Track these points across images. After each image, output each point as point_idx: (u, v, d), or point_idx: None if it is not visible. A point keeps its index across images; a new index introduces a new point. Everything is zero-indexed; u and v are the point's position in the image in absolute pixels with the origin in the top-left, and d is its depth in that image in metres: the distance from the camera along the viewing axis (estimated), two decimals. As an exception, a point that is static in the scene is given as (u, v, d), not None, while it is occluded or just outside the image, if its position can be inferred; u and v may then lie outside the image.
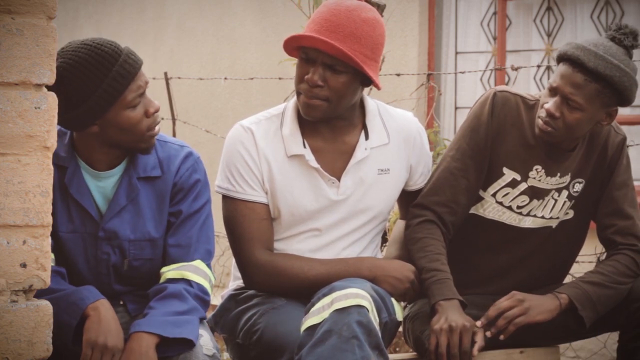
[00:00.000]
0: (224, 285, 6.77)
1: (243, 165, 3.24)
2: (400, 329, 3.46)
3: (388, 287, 3.23)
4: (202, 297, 3.05)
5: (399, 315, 3.26)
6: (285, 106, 3.32)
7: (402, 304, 3.40)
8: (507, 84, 6.43)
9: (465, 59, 6.81)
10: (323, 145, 3.27)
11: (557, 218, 3.49)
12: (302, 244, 3.30)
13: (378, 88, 3.20)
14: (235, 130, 3.29)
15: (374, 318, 3.01)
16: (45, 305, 2.47)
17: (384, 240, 3.69)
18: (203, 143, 7.38)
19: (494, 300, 3.41)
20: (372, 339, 2.98)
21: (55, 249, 2.98)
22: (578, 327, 3.38)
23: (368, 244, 3.37)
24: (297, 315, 3.10)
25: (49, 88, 2.44)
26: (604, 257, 3.55)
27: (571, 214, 3.50)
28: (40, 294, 2.52)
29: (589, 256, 4.47)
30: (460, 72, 5.74)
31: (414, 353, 3.48)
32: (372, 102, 3.35)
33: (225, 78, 6.64)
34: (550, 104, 3.28)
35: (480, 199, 3.46)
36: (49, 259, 2.46)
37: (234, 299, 3.33)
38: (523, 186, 3.43)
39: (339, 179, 3.27)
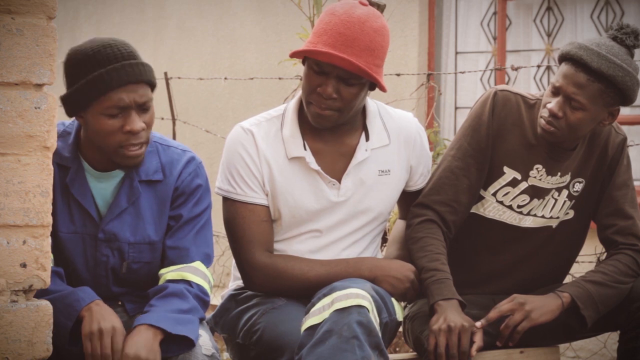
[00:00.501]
0: (224, 285, 6.77)
1: (243, 167, 3.24)
2: (400, 329, 3.46)
3: (388, 287, 3.23)
4: (202, 298, 3.05)
5: (399, 315, 3.26)
6: (286, 107, 3.32)
7: (402, 303, 3.40)
8: (507, 84, 6.43)
9: (465, 59, 6.81)
10: (324, 147, 3.27)
11: (558, 218, 3.49)
12: (302, 245, 3.30)
13: (384, 91, 3.21)
14: (236, 132, 3.28)
15: (374, 318, 3.01)
16: (45, 305, 2.47)
17: (384, 240, 3.69)
18: (203, 143, 7.38)
19: (494, 300, 3.41)
20: (372, 339, 2.98)
21: (55, 249, 2.97)
22: (579, 326, 3.38)
23: (368, 245, 3.37)
24: (297, 315, 3.10)
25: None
26: (604, 257, 3.55)
27: (571, 214, 3.50)
28: (38, 295, 2.52)
29: (589, 256, 4.47)
30: (460, 72, 5.73)
31: (414, 353, 3.48)
32: (373, 103, 3.34)
33: (225, 78, 6.63)
34: (553, 103, 3.28)
35: (481, 198, 3.46)
36: (49, 259, 2.46)
37: (234, 299, 3.33)
38: (524, 185, 3.43)
39: (339, 180, 3.27)
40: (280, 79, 6.20)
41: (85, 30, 8.63)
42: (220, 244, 5.88)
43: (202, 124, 7.35)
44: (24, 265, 2.43)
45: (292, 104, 3.30)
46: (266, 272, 3.22)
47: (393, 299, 3.25)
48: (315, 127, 3.22)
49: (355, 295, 3.00)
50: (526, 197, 3.44)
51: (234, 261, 3.33)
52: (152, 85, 2.99)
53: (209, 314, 3.29)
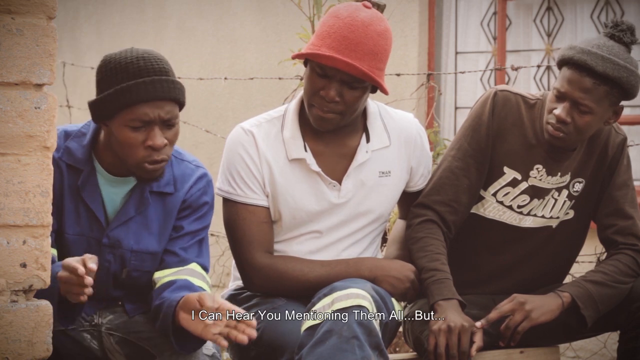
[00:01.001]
0: (224, 285, 6.76)
1: (244, 168, 3.24)
2: (401, 329, 3.46)
3: (388, 287, 3.23)
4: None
5: (399, 315, 3.26)
6: (286, 108, 3.31)
7: (403, 303, 3.40)
8: (507, 84, 6.43)
9: (465, 59, 6.81)
10: (324, 149, 3.27)
11: (558, 218, 3.49)
12: (302, 246, 3.30)
13: (386, 94, 3.20)
14: (236, 133, 3.28)
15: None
16: (45, 305, 2.46)
17: (384, 240, 3.69)
18: (203, 143, 7.38)
19: (494, 300, 3.41)
20: (372, 339, 2.98)
21: (59, 249, 2.99)
22: (579, 326, 3.38)
23: (368, 245, 3.37)
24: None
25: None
26: (604, 257, 3.55)
27: (571, 214, 3.50)
28: (38, 295, 2.52)
29: (589, 256, 4.47)
30: (460, 72, 5.73)
31: (414, 353, 3.48)
32: (373, 104, 3.34)
33: (225, 78, 6.62)
34: (560, 110, 3.27)
35: (481, 198, 3.46)
36: (49, 259, 2.46)
37: (234, 299, 3.33)
38: (524, 185, 3.43)
39: (340, 182, 3.27)
40: (280, 79, 6.20)
41: (85, 30, 8.63)
42: (220, 244, 5.88)
43: (202, 124, 7.35)
44: (24, 265, 2.42)
45: (292, 105, 3.29)
46: (266, 273, 3.22)
47: (393, 299, 3.25)
48: (316, 128, 3.22)
49: (356, 295, 3.00)
50: (526, 197, 3.44)
51: (233, 261, 3.33)
52: (181, 104, 2.98)
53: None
